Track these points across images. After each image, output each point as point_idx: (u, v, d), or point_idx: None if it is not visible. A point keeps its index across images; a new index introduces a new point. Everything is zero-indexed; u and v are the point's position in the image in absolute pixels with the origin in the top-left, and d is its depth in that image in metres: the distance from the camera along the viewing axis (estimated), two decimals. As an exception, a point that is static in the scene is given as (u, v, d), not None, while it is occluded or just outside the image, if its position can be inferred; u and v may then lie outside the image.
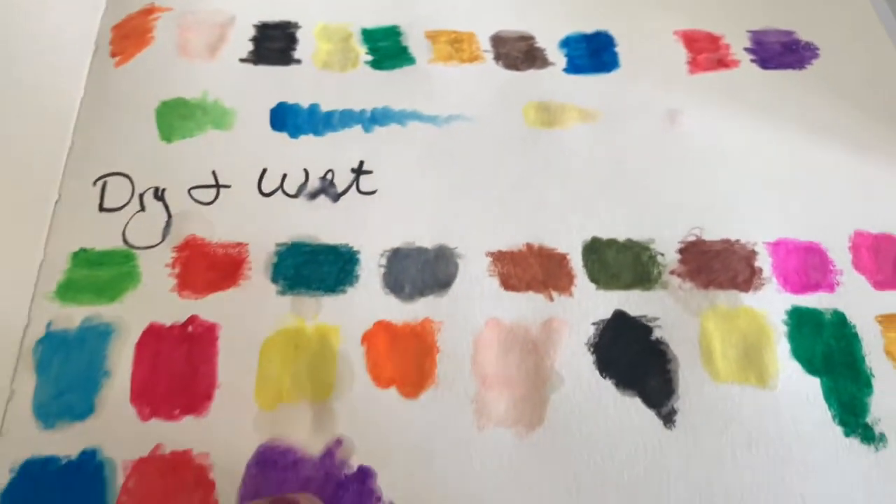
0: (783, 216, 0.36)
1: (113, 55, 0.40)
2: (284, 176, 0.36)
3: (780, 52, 0.42)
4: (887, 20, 0.43)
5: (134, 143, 0.36)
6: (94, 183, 0.35)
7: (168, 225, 0.34)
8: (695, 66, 0.41)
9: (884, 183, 0.37)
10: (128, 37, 0.40)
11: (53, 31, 0.41)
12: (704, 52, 0.42)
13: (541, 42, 0.42)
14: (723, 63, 0.42)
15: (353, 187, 0.36)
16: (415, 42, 0.41)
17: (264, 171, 0.36)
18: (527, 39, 0.42)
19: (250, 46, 0.40)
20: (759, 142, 0.38)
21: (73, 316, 0.32)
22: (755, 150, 0.38)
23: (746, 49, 0.42)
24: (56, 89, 0.39)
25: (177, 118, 0.37)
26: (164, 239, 0.34)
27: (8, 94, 0.38)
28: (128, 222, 0.34)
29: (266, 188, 0.35)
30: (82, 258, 0.33)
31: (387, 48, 0.41)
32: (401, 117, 0.38)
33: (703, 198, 0.36)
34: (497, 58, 0.41)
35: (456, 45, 0.41)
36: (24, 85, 0.39)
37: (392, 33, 0.42)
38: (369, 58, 0.41)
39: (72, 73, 0.39)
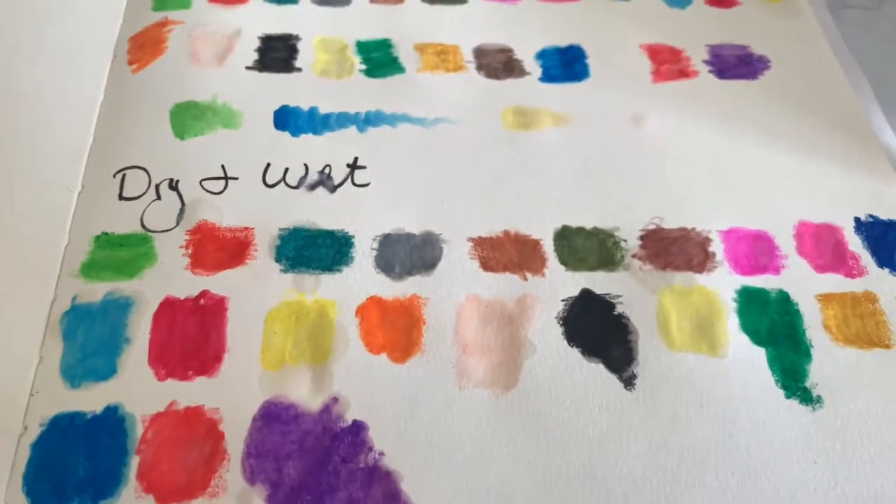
0: (735, 207, 0.40)
1: (130, 63, 0.44)
2: (286, 170, 0.40)
3: (736, 64, 0.47)
4: (831, 36, 0.48)
5: (150, 140, 0.40)
6: (114, 175, 0.39)
7: (182, 212, 0.38)
8: (658, 75, 0.46)
9: (825, 178, 0.41)
10: (143, 46, 0.45)
11: (76, 42, 0.45)
12: (667, 63, 0.46)
13: (518, 54, 0.46)
14: (683, 73, 0.46)
15: (349, 180, 0.40)
16: (404, 53, 0.46)
17: (268, 165, 0.40)
18: (506, 52, 0.47)
19: (255, 56, 0.45)
20: (714, 142, 0.43)
21: (96, 291, 0.35)
22: (711, 150, 0.42)
23: (705, 61, 0.47)
24: (78, 92, 0.43)
25: (189, 118, 0.41)
26: (178, 224, 0.38)
27: (35, 97, 0.42)
28: (145, 209, 0.38)
29: (270, 180, 0.39)
30: (104, 241, 0.37)
31: (379, 58, 0.45)
32: (392, 119, 0.42)
33: (663, 191, 0.40)
34: (479, 68, 0.45)
35: (442, 57, 0.46)
36: (49, 89, 0.43)
37: (384, 45, 0.46)
38: (363, 67, 0.45)
39: (92, 78, 0.43)
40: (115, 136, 0.41)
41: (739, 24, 0.49)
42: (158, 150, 0.40)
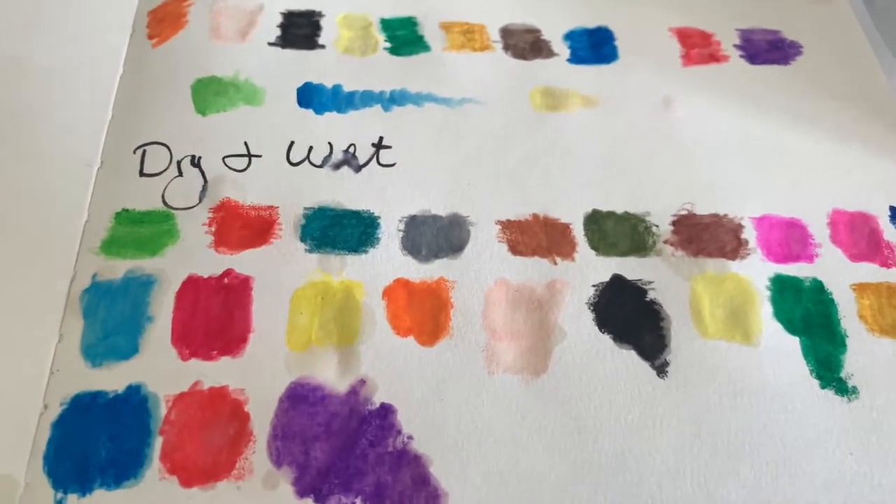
0: (767, 194, 0.39)
1: (150, 37, 0.43)
2: (311, 148, 0.39)
3: (767, 49, 0.46)
4: (864, 22, 0.47)
5: (171, 115, 0.39)
6: (134, 151, 0.38)
7: (204, 189, 0.37)
8: (688, 59, 0.45)
9: (860, 166, 0.40)
10: (163, 21, 0.44)
11: (93, 16, 0.44)
12: (697, 47, 0.45)
13: (546, 35, 0.45)
14: (714, 57, 0.45)
15: (374, 160, 0.39)
16: (430, 32, 0.45)
17: (292, 143, 0.39)
18: (533, 32, 0.46)
19: (278, 32, 0.44)
20: (747, 128, 0.42)
21: (117, 268, 0.35)
22: (743, 135, 0.41)
23: (736, 45, 0.46)
24: (96, 67, 0.42)
25: (211, 94, 0.40)
26: (200, 201, 0.37)
27: (53, 70, 0.41)
28: (166, 186, 0.37)
29: (294, 158, 0.39)
30: (124, 217, 0.36)
31: (404, 36, 0.44)
32: (417, 99, 0.42)
33: (695, 176, 0.40)
34: (506, 48, 0.44)
35: (468, 36, 0.45)
36: (66, 64, 0.42)
37: (408, 23, 0.45)
38: (388, 45, 0.44)
39: (111, 53, 0.42)
40: (135, 112, 0.40)
41: (770, 8, 0.48)
42: (180, 125, 0.39)
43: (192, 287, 0.34)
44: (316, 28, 0.44)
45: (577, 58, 0.44)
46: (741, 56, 0.45)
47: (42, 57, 0.42)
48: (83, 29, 0.43)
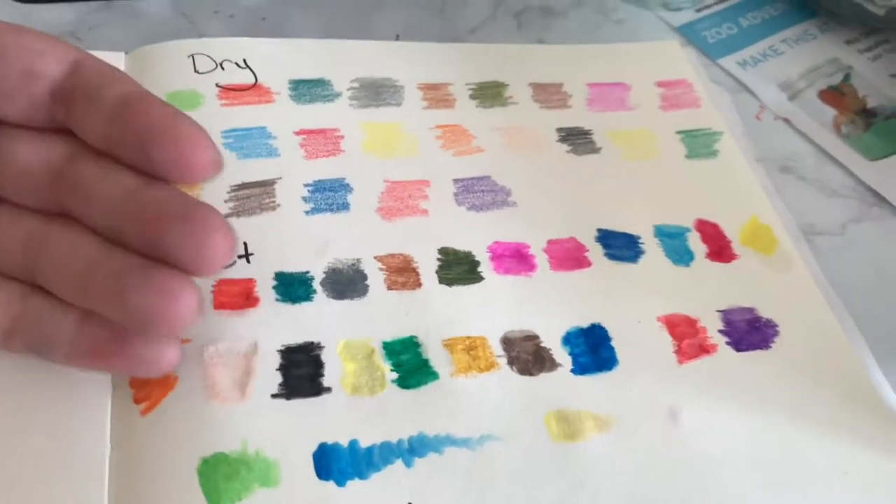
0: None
1: (137, 401, 0.39)
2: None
3: (748, 331, 0.48)
4: (826, 292, 0.51)
5: (182, 512, 0.36)
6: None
7: None
8: (682, 355, 0.46)
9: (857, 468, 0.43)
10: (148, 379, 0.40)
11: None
12: (687, 337, 0.47)
13: (545, 340, 0.45)
14: (704, 349, 0.46)
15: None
16: (434, 353, 0.43)
17: (319, 533, 0.37)
18: (532, 338, 0.45)
19: (279, 378, 0.41)
20: (752, 436, 0.43)
21: None
22: (751, 448, 0.42)
23: (720, 331, 0.47)
24: (78, 444, 0.37)
25: (221, 478, 0.37)
26: None
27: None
28: None
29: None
30: None
31: (409, 362, 0.43)
32: (436, 444, 0.40)
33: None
34: (510, 362, 0.44)
35: (472, 353, 0.44)
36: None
37: (411, 345, 0.44)
38: (395, 375, 0.42)
39: (93, 424, 0.38)
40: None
41: (741, 282, 0.50)
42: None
43: None
44: (318, 366, 0.42)
45: (579, 366, 0.44)
46: (727, 343, 0.47)
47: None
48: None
